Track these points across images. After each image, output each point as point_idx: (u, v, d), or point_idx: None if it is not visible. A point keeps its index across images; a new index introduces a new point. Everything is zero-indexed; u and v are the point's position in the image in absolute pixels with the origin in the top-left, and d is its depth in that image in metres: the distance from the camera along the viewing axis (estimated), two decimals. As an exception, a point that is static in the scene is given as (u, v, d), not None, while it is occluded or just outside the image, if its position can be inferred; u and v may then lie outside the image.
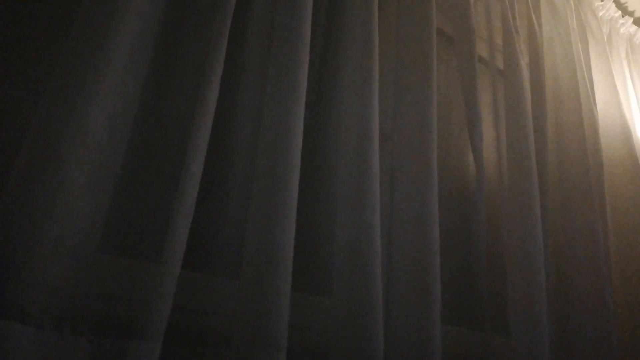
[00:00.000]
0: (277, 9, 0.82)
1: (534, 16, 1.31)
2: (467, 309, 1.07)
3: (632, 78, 1.62)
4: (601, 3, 1.64)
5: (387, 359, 0.77)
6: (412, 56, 1.00)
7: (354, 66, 0.87)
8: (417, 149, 0.91)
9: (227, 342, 0.65)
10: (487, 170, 1.12)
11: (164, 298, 0.58)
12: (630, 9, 1.76)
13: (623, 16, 1.71)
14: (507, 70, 1.18)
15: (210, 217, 0.76)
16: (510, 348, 0.97)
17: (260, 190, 0.70)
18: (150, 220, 0.69)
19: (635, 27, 1.72)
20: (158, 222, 0.68)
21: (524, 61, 1.19)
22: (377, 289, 0.74)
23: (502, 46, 1.22)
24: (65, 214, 0.56)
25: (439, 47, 1.15)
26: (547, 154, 1.17)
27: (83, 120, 0.59)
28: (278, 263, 0.66)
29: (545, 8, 1.40)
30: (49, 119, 0.58)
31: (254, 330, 0.63)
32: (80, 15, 0.64)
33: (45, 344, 0.52)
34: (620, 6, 1.74)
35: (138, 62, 0.68)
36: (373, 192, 0.78)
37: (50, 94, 0.59)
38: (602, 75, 1.49)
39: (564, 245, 1.16)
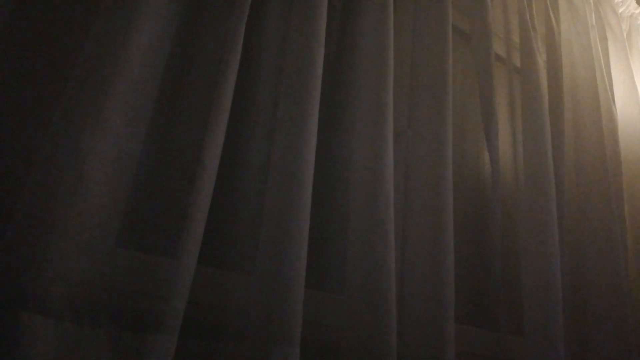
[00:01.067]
0: (293, 7, 0.82)
1: (552, 13, 1.29)
2: (481, 308, 1.06)
3: (652, 76, 1.59)
4: (621, 0, 1.61)
5: (400, 357, 0.77)
6: (428, 53, 1.00)
7: (369, 62, 0.87)
8: (432, 146, 0.91)
9: (241, 337, 0.65)
10: (502, 169, 1.11)
11: (180, 292, 0.58)
12: (651, 5, 1.73)
13: (644, 13, 1.68)
14: (524, 68, 1.17)
15: (226, 213, 0.76)
16: (524, 348, 0.96)
17: (274, 186, 0.70)
18: (167, 215, 0.70)
19: (656, 24, 1.69)
20: (174, 218, 0.69)
21: (541, 59, 1.18)
22: (390, 285, 0.74)
23: (519, 44, 1.21)
24: (84, 209, 0.57)
25: (455, 44, 1.14)
26: (564, 152, 1.16)
27: (102, 116, 0.60)
28: (292, 259, 0.66)
29: (564, 5, 1.38)
30: (69, 115, 0.59)
31: (268, 326, 0.63)
32: (100, 14, 0.65)
33: (65, 335, 0.53)
34: (640, 3, 1.71)
35: (156, 60, 0.69)
36: (387, 189, 0.78)
37: (71, 90, 0.60)
38: (621, 72, 1.47)
39: (580, 245, 1.15)
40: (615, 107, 1.33)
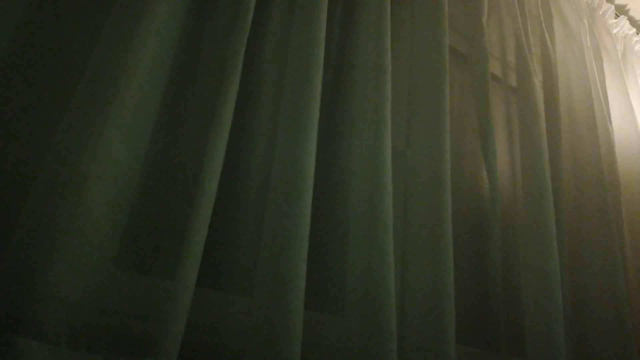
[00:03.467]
0: (292, 28, 0.83)
1: (547, 34, 1.31)
2: (482, 330, 1.05)
3: (647, 95, 1.61)
4: (615, 20, 1.64)
5: (401, 379, 0.76)
6: (425, 74, 1.01)
7: (367, 84, 0.88)
8: (431, 166, 0.91)
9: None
10: (501, 188, 1.12)
11: (179, 315, 0.58)
12: (644, 26, 1.76)
13: (638, 33, 1.71)
14: (520, 88, 1.18)
15: (225, 235, 0.76)
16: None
17: (273, 207, 0.70)
18: (166, 237, 0.70)
19: (650, 44, 1.71)
20: (173, 239, 0.69)
21: (537, 79, 1.19)
22: (390, 308, 0.73)
23: (515, 65, 1.22)
24: (82, 231, 0.57)
25: (452, 65, 1.16)
26: (562, 171, 1.16)
27: (102, 137, 0.60)
28: (291, 281, 0.66)
29: (559, 26, 1.40)
30: (69, 136, 0.59)
31: (267, 348, 0.62)
32: (101, 36, 0.66)
33: (61, 360, 0.53)
34: (634, 23, 1.74)
35: (156, 81, 0.69)
36: (386, 210, 0.78)
37: (71, 111, 0.61)
38: (617, 92, 1.48)
39: (580, 264, 1.15)
40: (611, 126, 1.34)
